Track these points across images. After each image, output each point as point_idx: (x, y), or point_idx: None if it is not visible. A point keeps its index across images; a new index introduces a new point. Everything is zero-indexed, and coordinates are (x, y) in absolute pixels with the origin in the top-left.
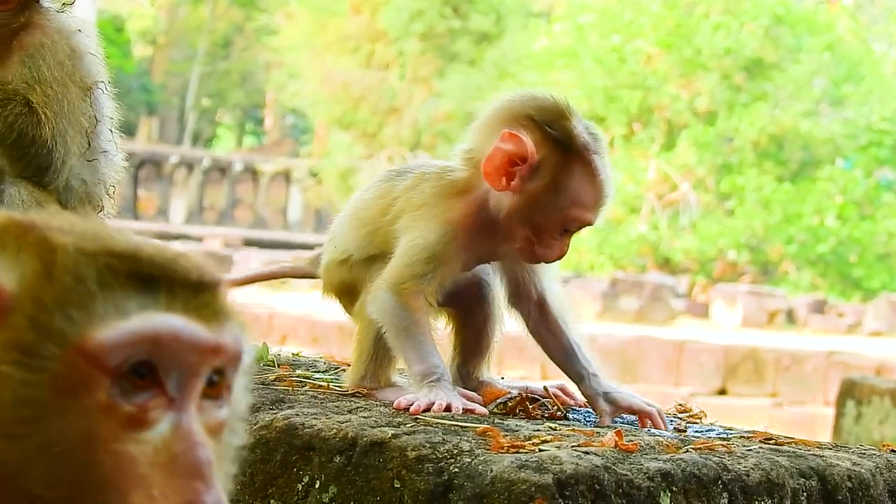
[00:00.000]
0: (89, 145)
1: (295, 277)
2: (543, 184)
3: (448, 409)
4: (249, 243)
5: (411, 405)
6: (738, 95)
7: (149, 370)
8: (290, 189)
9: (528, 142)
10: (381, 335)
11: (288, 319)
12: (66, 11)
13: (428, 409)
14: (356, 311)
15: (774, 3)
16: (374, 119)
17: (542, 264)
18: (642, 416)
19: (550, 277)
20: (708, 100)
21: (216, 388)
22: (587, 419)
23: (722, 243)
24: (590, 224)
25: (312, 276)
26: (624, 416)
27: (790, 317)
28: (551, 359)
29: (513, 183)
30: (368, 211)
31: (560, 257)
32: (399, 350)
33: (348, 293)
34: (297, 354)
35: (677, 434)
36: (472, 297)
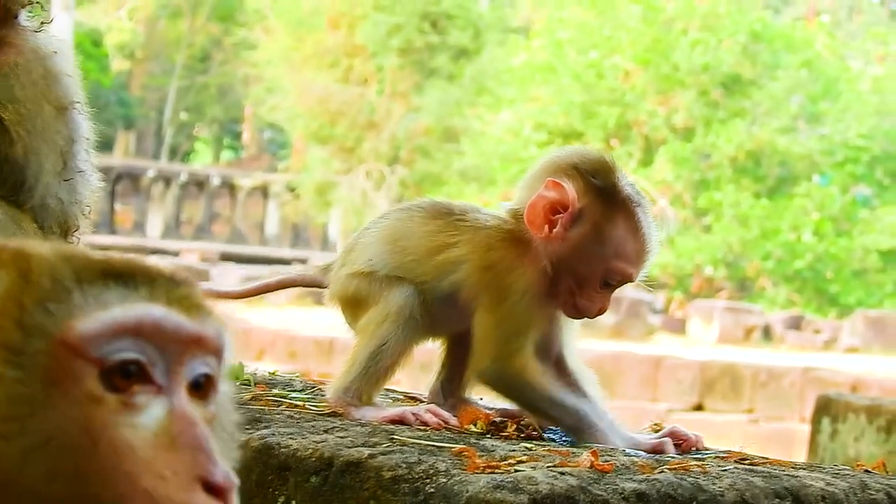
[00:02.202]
0: (65, 165)
1: (303, 286)
2: (585, 232)
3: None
4: (227, 258)
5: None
6: (715, 112)
7: (136, 368)
8: (268, 204)
9: (571, 189)
10: (380, 353)
11: (265, 334)
12: (43, 30)
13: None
14: (361, 324)
15: (752, 20)
16: (352, 134)
17: (568, 322)
18: (661, 447)
19: (571, 334)
20: (685, 116)
21: (203, 390)
22: (563, 439)
23: (699, 259)
24: (631, 280)
25: (320, 286)
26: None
27: (767, 333)
28: None
29: (555, 231)
30: (414, 242)
31: (601, 313)
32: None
33: (360, 305)
34: (274, 373)
35: (652, 454)
36: (470, 320)
